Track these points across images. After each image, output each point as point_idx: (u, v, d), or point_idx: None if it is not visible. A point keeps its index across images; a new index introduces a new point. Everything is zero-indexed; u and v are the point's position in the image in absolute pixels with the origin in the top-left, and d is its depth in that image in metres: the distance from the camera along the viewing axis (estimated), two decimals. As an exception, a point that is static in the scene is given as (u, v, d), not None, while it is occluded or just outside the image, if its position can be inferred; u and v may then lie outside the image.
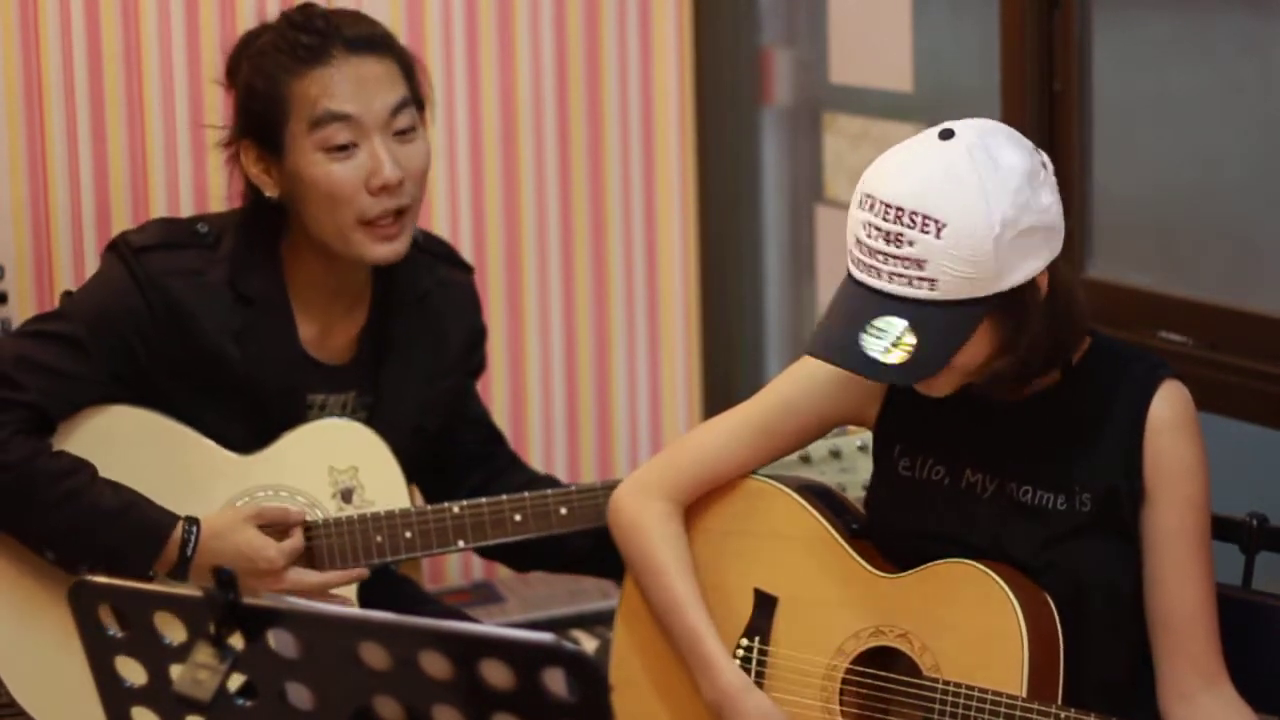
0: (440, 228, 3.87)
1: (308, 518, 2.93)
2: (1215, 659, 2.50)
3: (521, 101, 3.94)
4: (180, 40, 3.63)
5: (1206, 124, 3.36)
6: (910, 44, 3.81)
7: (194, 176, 3.66)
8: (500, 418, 3.95)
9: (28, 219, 3.56)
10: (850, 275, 2.40)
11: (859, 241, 2.38)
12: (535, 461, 3.96)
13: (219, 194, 3.68)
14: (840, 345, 2.38)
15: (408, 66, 2.94)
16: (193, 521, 2.84)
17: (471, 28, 3.89)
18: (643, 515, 2.70)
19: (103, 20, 3.58)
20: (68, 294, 2.98)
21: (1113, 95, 3.47)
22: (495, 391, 3.97)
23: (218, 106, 3.67)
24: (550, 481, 3.18)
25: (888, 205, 2.34)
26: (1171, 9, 3.43)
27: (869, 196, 2.37)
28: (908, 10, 3.80)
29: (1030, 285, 2.39)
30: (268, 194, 2.92)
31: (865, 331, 2.36)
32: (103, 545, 2.79)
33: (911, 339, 2.35)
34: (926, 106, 3.80)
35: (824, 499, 2.70)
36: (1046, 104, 3.50)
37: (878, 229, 2.34)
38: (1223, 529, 2.69)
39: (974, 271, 2.33)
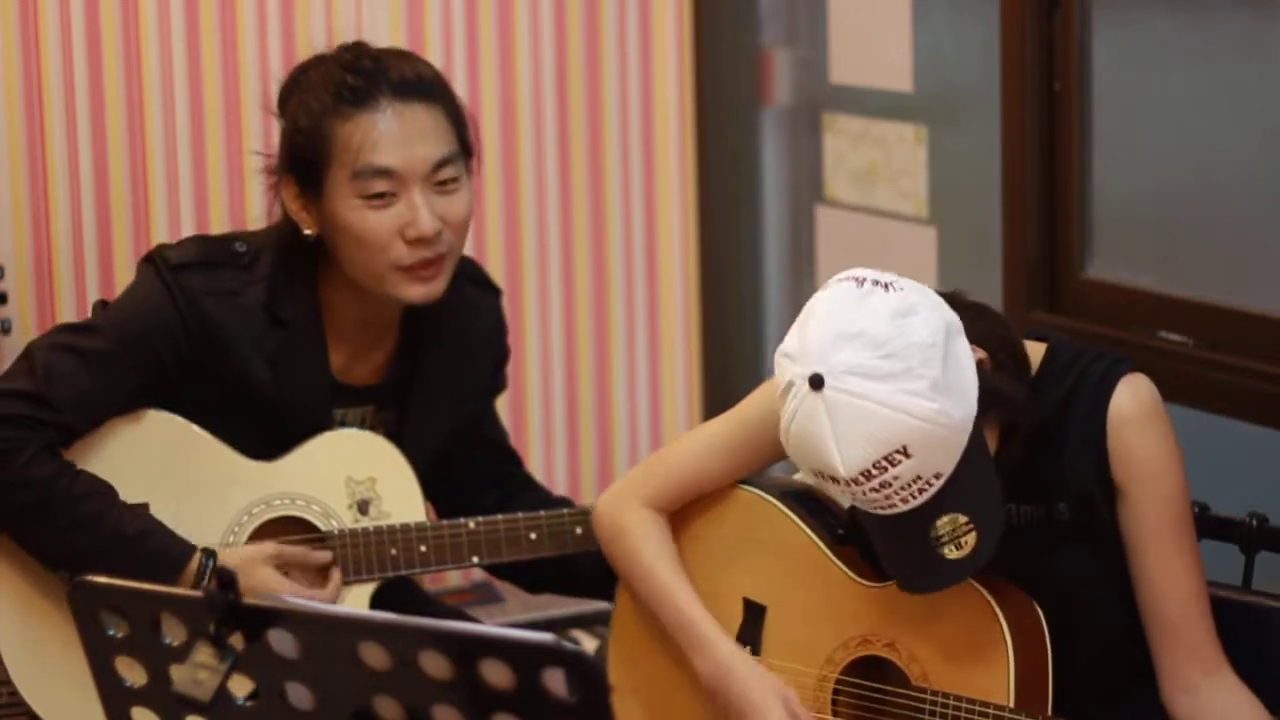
0: (440, 228, 3.88)
1: (322, 527, 2.93)
2: (1213, 647, 2.49)
3: (521, 101, 3.94)
4: (180, 41, 3.63)
5: (1206, 124, 3.36)
6: (910, 44, 3.80)
7: (194, 177, 3.66)
8: (500, 417, 3.96)
9: (28, 219, 3.56)
10: (868, 512, 2.40)
11: (855, 497, 2.38)
12: (535, 461, 3.96)
13: (218, 195, 3.68)
14: (925, 574, 2.39)
15: (456, 115, 2.91)
16: (210, 554, 2.83)
17: (471, 28, 3.89)
18: (623, 518, 2.71)
19: (103, 20, 3.58)
20: (102, 303, 2.95)
21: (1113, 95, 3.46)
22: (495, 391, 3.97)
23: (218, 107, 3.68)
24: (564, 503, 3.17)
25: (852, 479, 2.33)
26: (1171, 9, 3.43)
27: (825, 476, 2.36)
28: (908, 10, 3.80)
29: (979, 374, 2.39)
30: (305, 231, 2.89)
31: (941, 549, 2.37)
32: (118, 571, 2.75)
33: (963, 519, 2.36)
34: (926, 106, 3.80)
35: (807, 504, 2.69)
36: (1046, 104, 3.50)
37: (861, 492, 2.35)
38: (1223, 529, 2.69)
39: (954, 436, 2.34)
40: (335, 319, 2.94)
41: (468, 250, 3.94)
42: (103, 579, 1.95)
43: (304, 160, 2.86)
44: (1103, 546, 2.49)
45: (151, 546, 2.81)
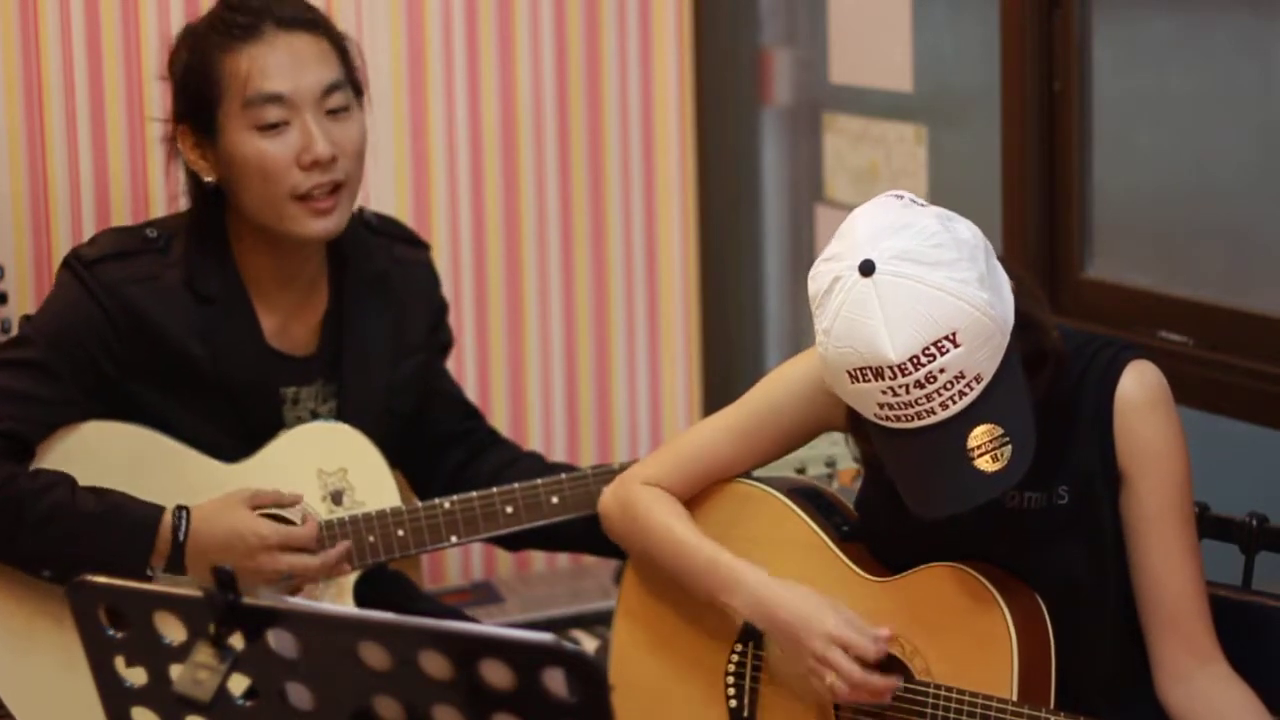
0: (440, 228, 3.88)
1: (298, 522, 2.93)
2: (1208, 638, 2.49)
3: (521, 101, 3.94)
4: (180, 40, 3.64)
5: (1206, 124, 3.36)
6: (910, 44, 3.81)
7: (194, 176, 3.67)
8: (500, 417, 3.96)
9: (28, 219, 3.56)
10: (898, 430, 2.36)
11: (884, 405, 2.33)
12: (535, 461, 3.97)
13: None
14: (957, 491, 2.35)
15: (341, 47, 2.96)
16: (183, 508, 2.84)
17: (471, 28, 3.89)
18: (630, 496, 2.71)
19: (103, 20, 3.58)
20: (26, 318, 2.97)
21: (1113, 95, 3.47)
22: (495, 391, 3.97)
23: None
24: (533, 457, 3.18)
25: (899, 365, 2.29)
26: (1171, 9, 3.43)
27: (865, 370, 2.32)
28: (908, 10, 3.80)
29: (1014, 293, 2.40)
30: (205, 178, 2.92)
31: (973, 461, 2.33)
32: (96, 550, 2.78)
33: (999, 430, 2.33)
34: (926, 106, 3.80)
35: (814, 501, 2.69)
36: (1046, 104, 3.50)
37: (901, 386, 2.31)
38: (1223, 529, 2.69)
39: (995, 338, 2.33)
40: (257, 283, 2.96)
41: (465, 246, 3.96)
42: (102, 579, 1.95)
43: (196, 100, 2.91)
44: (1101, 537, 2.49)
45: (123, 517, 2.82)
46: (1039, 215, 3.52)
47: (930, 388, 2.31)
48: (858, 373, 2.32)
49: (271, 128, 2.87)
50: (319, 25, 2.95)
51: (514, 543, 3.19)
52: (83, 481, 2.84)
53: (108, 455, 2.88)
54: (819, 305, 2.36)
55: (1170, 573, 2.48)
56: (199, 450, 2.92)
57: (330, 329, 3.01)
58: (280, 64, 2.88)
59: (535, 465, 3.14)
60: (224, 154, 2.90)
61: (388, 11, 3.80)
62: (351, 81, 2.95)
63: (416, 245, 3.15)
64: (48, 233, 3.57)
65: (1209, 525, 2.68)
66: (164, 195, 3.63)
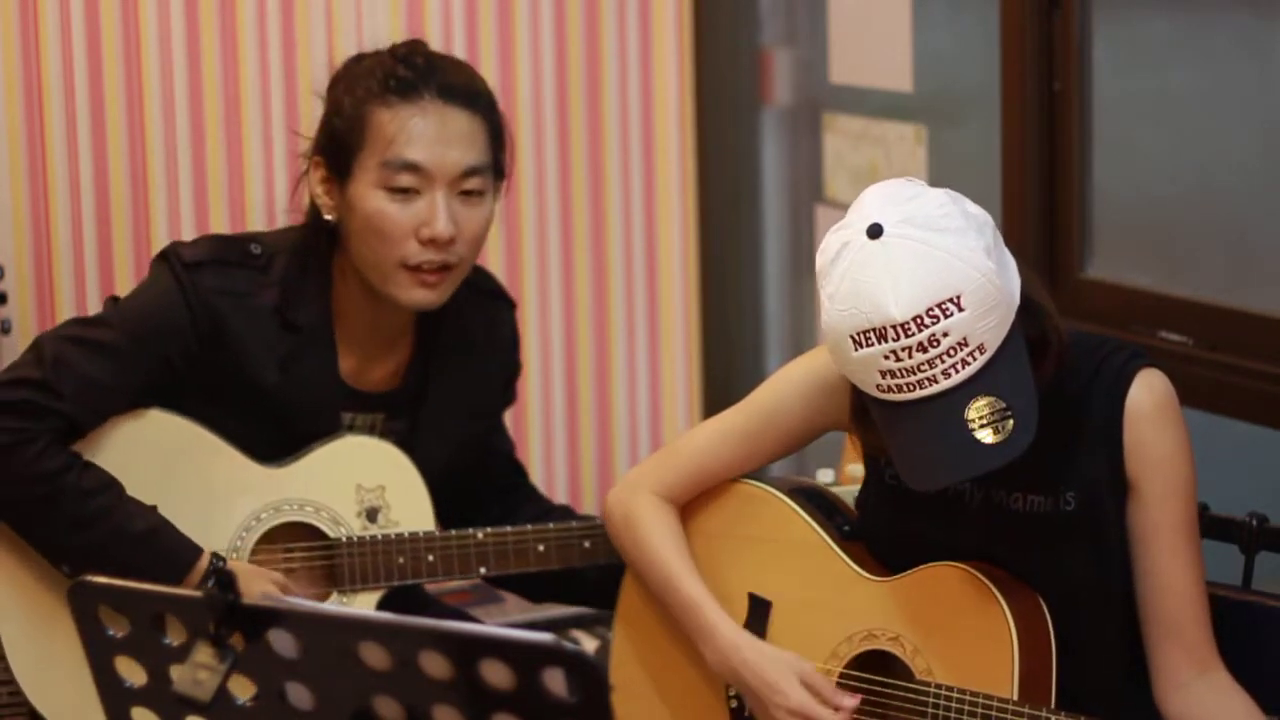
0: (440, 228, 3.88)
1: (331, 534, 2.93)
2: (1208, 646, 2.49)
3: (521, 101, 3.94)
4: (180, 41, 3.64)
5: (1206, 124, 3.36)
6: (910, 44, 3.81)
7: (194, 177, 3.67)
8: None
9: (28, 219, 3.56)
10: (899, 402, 2.35)
11: (886, 373, 2.33)
12: (535, 462, 3.96)
13: (218, 195, 3.68)
14: (957, 460, 2.34)
15: (495, 131, 2.91)
16: (218, 559, 2.83)
17: (471, 28, 3.89)
18: (632, 505, 2.71)
19: (103, 20, 3.58)
20: (113, 299, 2.94)
21: (1113, 95, 3.47)
22: (495, 391, 3.97)
23: (218, 107, 3.68)
24: (567, 513, 3.16)
25: (902, 325, 2.29)
26: (1171, 9, 3.43)
27: (868, 332, 2.31)
28: (908, 10, 3.80)
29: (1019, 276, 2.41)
30: (325, 215, 2.89)
31: (973, 431, 2.32)
32: (124, 566, 2.74)
33: (1001, 404, 2.33)
34: (926, 106, 3.80)
35: (815, 501, 2.70)
36: (1046, 104, 3.50)
37: (904, 349, 2.30)
38: (1223, 529, 2.69)
39: (999, 309, 2.33)
40: (347, 324, 2.93)
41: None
42: (102, 579, 1.95)
43: (338, 142, 2.87)
44: (1105, 542, 2.49)
45: (158, 546, 2.80)
46: (1039, 215, 3.52)
47: (934, 352, 2.30)
48: (861, 336, 2.32)
49: (401, 192, 2.84)
50: (479, 104, 2.89)
51: (537, 592, 3.17)
52: (123, 464, 2.82)
53: (152, 443, 2.87)
54: (825, 273, 2.36)
55: (1174, 581, 2.48)
56: (241, 451, 2.90)
57: (410, 376, 2.99)
58: (427, 135, 2.84)
59: (566, 516, 3.13)
60: (349, 200, 2.86)
61: (388, 11, 3.80)
62: (495, 166, 2.91)
63: (503, 303, 3.12)
64: (48, 233, 3.57)
65: (1209, 525, 2.68)
66: (164, 195, 3.64)
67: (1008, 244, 2.44)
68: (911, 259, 2.30)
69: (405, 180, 2.83)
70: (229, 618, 1.86)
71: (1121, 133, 3.47)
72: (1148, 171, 3.49)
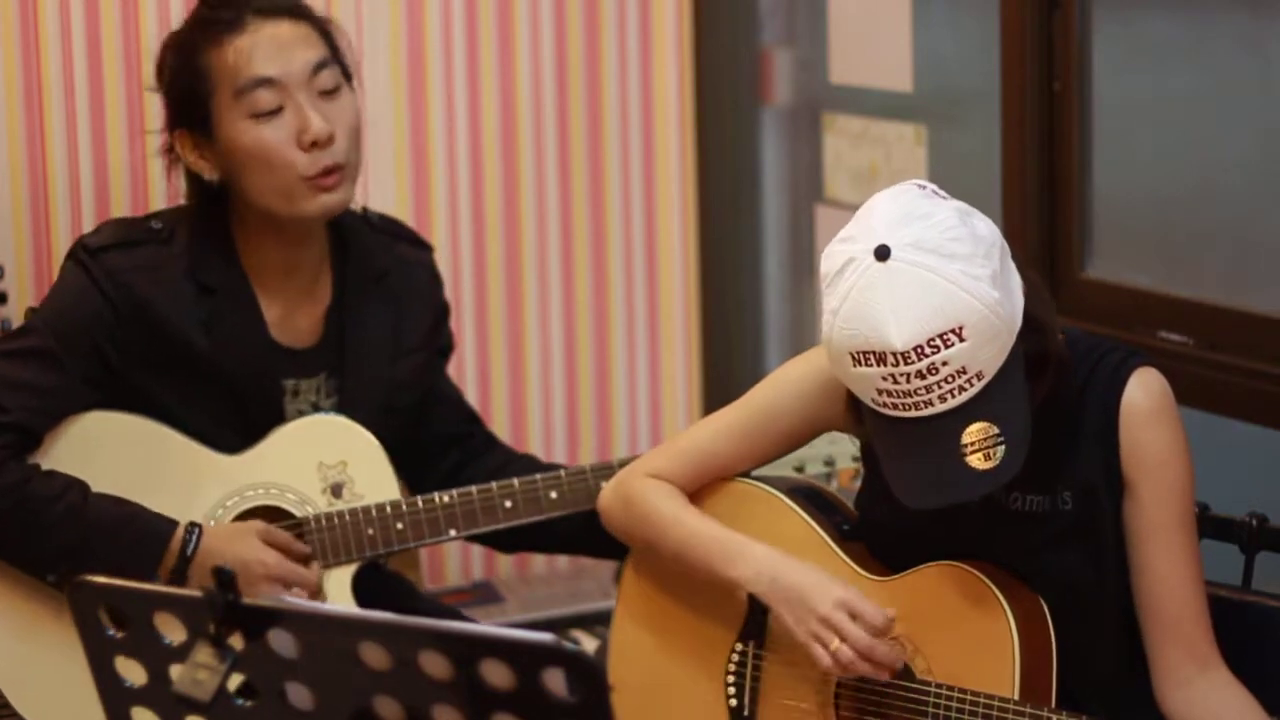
0: (440, 228, 3.88)
1: (298, 514, 2.93)
2: (1208, 643, 2.49)
3: (521, 101, 3.94)
4: (180, 40, 3.63)
5: (1206, 124, 3.36)
6: (910, 44, 3.81)
7: (194, 176, 3.66)
8: (500, 418, 3.96)
9: (28, 219, 3.56)
10: (894, 418, 2.36)
11: (883, 391, 2.34)
12: (535, 461, 3.96)
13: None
14: (943, 484, 2.35)
15: (324, 30, 2.99)
16: (195, 525, 2.85)
17: (471, 28, 3.89)
18: (629, 489, 2.70)
19: (103, 20, 3.58)
20: (32, 309, 2.99)
21: (1112, 95, 3.47)
22: (495, 392, 3.97)
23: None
24: (529, 460, 3.19)
25: (902, 353, 2.29)
26: (1171, 9, 3.43)
27: (868, 354, 2.31)
28: (908, 10, 3.80)
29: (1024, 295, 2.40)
30: (207, 177, 2.95)
31: (964, 456, 2.33)
32: (105, 559, 2.77)
33: (995, 430, 2.33)
34: (926, 106, 3.80)
35: (814, 500, 2.69)
36: (1046, 104, 3.50)
37: (903, 375, 2.31)
38: (1222, 529, 2.69)
39: (1001, 338, 2.34)
40: (260, 274, 2.97)
41: (465, 246, 3.96)
42: (102, 579, 1.95)
43: (189, 101, 2.93)
44: (1102, 542, 2.50)
45: (136, 528, 2.83)
46: (1039, 215, 3.52)
47: (931, 379, 2.31)
48: (860, 356, 2.33)
49: (267, 115, 2.89)
50: (299, 11, 2.97)
51: (510, 544, 3.19)
52: (84, 471, 2.85)
53: (110, 445, 2.89)
54: (829, 284, 2.36)
55: (1172, 579, 2.48)
56: (200, 442, 2.92)
57: (333, 323, 3.02)
58: (266, 49, 2.90)
59: (531, 466, 3.14)
60: (223, 148, 2.91)
61: (388, 11, 3.80)
62: (339, 62, 2.97)
63: (419, 246, 3.17)
64: (48, 233, 3.57)
65: (1209, 525, 2.68)
66: (164, 196, 3.63)
67: (1007, 241, 2.43)
68: (917, 288, 2.29)
69: (265, 99, 2.89)
70: (229, 618, 1.86)
71: (1121, 133, 3.47)
72: (1148, 171, 3.49)
